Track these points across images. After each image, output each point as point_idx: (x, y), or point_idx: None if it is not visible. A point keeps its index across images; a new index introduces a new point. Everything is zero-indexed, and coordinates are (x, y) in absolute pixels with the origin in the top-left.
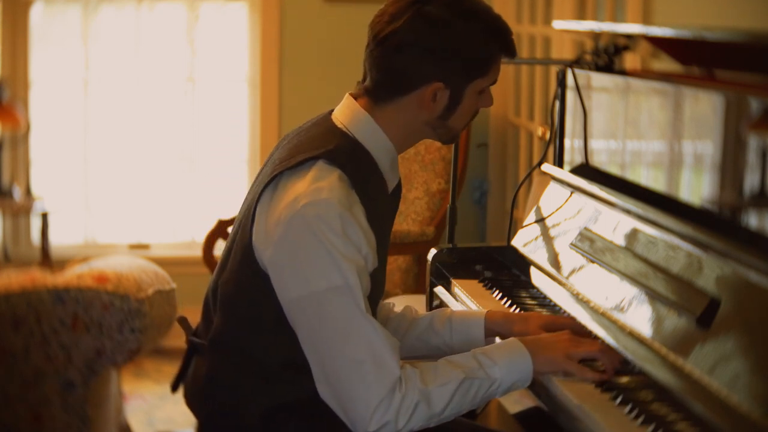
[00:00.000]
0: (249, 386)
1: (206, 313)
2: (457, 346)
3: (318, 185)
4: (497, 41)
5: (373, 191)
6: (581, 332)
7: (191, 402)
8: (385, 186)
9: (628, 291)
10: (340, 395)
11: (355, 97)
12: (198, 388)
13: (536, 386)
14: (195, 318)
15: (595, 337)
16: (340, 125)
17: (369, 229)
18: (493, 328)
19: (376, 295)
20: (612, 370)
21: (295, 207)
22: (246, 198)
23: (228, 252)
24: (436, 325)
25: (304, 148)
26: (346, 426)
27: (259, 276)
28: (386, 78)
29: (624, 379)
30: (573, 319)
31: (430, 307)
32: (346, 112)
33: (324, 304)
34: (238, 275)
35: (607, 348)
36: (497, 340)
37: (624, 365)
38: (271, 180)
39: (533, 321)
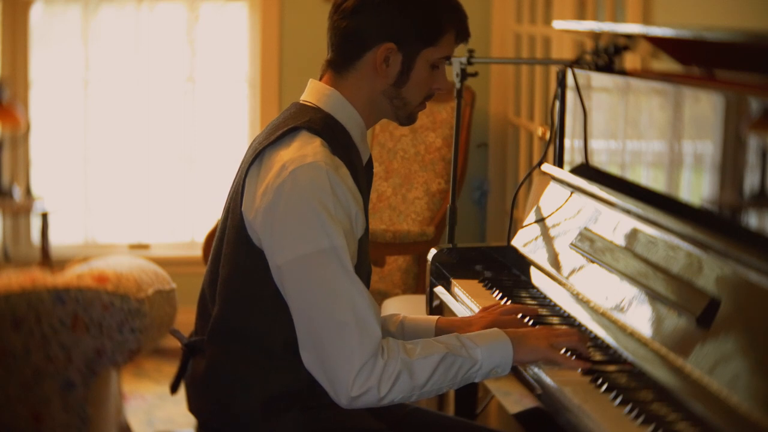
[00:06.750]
0: (249, 374)
1: (203, 309)
2: None
3: (303, 152)
4: (450, 15)
5: (352, 160)
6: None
7: (192, 403)
8: (360, 157)
9: (628, 291)
10: (324, 359)
11: (320, 77)
12: (198, 386)
13: (536, 386)
14: (193, 319)
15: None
16: (309, 104)
17: (356, 189)
18: (441, 332)
19: (366, 269)
20: (588, 358)
21: (283, 173)
22: (231, 186)
23: (220, 241)
24: (389, 326)
25: (281, 127)
26: (343, 415)
27: (253, 253)
28: (343, 42)
29: (624, 379)
30: (514, 318)
31: (430, 307)
32: (312, 92)
33: (311, 266)
34: (234, 257)
35: (582, 338)
36: None
37: (622, 362)
38: (255, 157)
39: (476, 325)
